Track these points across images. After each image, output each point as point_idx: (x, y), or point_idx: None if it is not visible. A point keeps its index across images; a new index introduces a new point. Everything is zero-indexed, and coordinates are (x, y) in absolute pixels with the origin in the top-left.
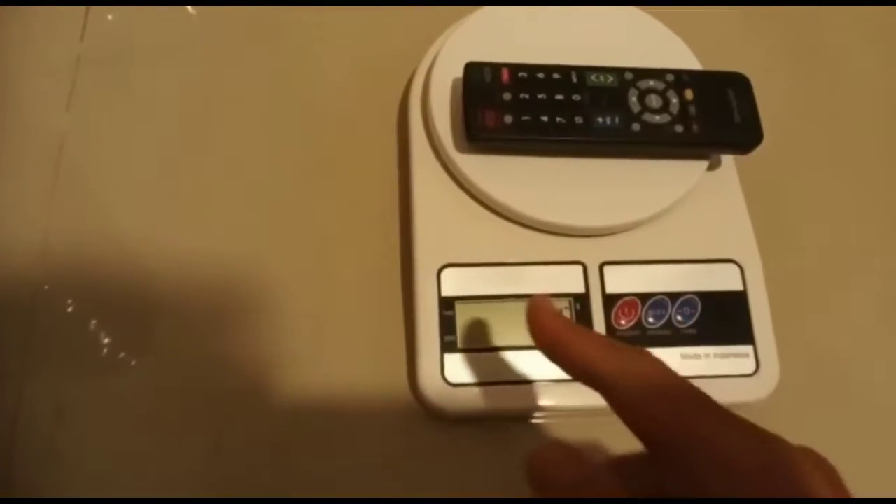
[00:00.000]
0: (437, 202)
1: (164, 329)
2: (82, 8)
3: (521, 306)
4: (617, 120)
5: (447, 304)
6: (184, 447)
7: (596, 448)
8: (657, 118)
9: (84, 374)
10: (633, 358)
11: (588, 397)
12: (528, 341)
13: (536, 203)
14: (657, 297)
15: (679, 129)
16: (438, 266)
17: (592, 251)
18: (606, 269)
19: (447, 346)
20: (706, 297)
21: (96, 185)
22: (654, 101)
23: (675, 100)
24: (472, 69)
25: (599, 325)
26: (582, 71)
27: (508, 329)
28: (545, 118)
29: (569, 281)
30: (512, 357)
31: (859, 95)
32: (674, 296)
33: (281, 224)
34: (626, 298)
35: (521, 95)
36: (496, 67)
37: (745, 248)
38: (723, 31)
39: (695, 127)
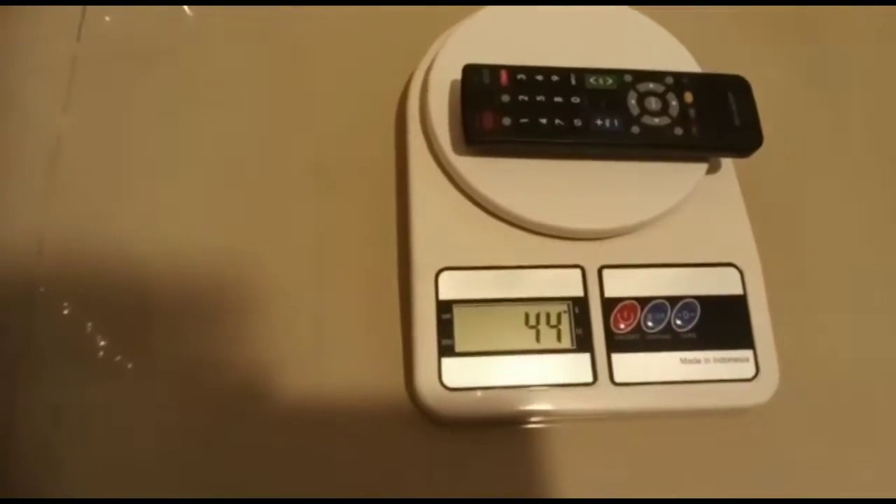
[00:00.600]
0: (434, 205)
1: (161, 330)
2: (79, 8)
3: (520, 310)
4: (616, 122)
5: (445, 308)
6: (182, 448)
7: (592, 453)
8: (656, 121)
9: (82, 375)
10: None
11: (585, 401)
12: (526, 345)
13: (535, 206)
14: (656, 300)
15: (678, 131)
16: (436, 269)
17: (591, 254)
18: (605, 272)
19: (445, 350)
20: (706, 300)
21: (93, 187)
22: (653, 103)
23: (674, 102)
24: (471, 71)
25: (598, 330)
26: (581, 73)
27: (506, 333)
28: (544, 120)
29: (567, 284)
30: (510, 361)
31: (860, 98)
32: (673, 299)
33: (278, 226)
34: (625, 302)
35: (520, 97)
36: (495, 69)
37: (745, 251)
38: (722, 34)
39: (694, 130)
